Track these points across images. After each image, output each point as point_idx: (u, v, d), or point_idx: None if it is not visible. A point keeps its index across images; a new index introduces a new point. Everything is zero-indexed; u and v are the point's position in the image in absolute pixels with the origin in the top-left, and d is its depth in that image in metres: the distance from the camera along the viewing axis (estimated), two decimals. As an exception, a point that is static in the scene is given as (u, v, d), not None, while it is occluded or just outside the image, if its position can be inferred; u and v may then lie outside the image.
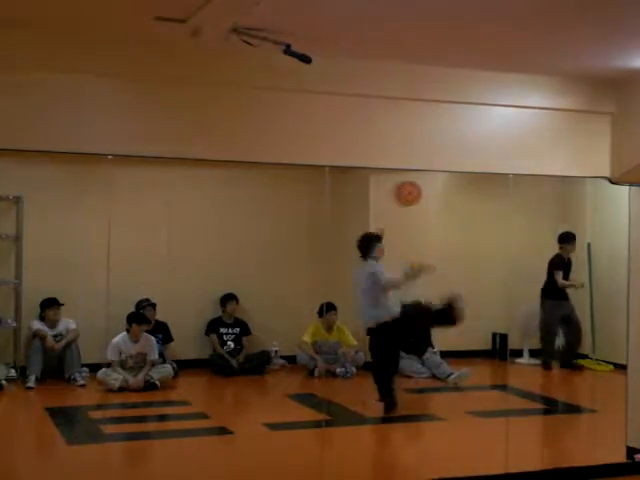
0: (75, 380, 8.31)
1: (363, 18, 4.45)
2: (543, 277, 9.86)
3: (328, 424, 6.83)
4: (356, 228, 9.54)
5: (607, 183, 5.94)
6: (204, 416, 7.29)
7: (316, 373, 8.93)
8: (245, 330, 9.46)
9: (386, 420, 7.33)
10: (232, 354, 9.24)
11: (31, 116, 4.70)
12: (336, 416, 7.21)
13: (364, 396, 8.56)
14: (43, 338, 8.47)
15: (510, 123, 5.68)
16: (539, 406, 7.87)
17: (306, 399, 7.92)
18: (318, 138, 5.23)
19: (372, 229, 9.39)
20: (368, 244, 7.61)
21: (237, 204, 9.57)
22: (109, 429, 6.75)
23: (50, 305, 8.61)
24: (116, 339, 8.33)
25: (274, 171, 8.86)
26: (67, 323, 8.67)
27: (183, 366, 8.94)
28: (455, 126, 5.51)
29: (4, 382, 8.02)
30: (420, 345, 9.28)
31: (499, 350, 10.03)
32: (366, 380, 8.86)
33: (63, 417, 7.17)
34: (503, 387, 8.20)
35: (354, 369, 9.00)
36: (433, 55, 5.18)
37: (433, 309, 7.31)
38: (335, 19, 4.47)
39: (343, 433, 6.81)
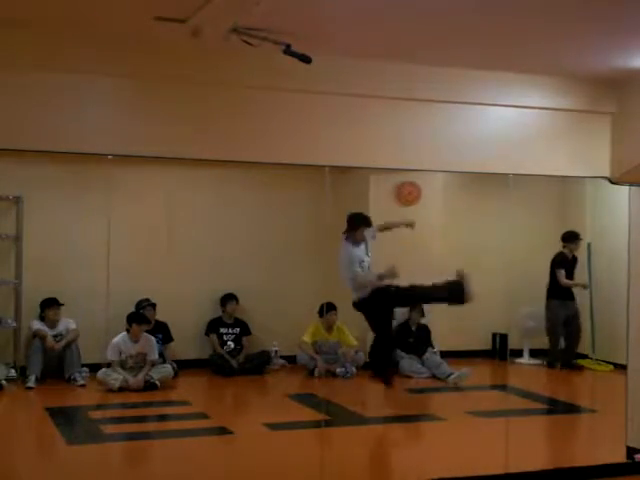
0: (75, 380, 8.31)
1: (363, 18, 4.45)
2: (543, 277, 9.86)
3: (328, 424, 6.83)
4: (356, 228, 9.55)
5: (607, 183, 5.94)
6: (204, 416, 7.29)
7: (316, 373, 8.93)
8: (245, 330, 9.46)
9: (386, 420, 7.34)
10: (232, 354, 9.24)
11: (31, 116, 4.70)
12: (336, 416, 7.20)
13: (364, 396, 8.57)
14: (43, 338, 8.46)
15: (510, 123, 5.68)
16: (539, 406, 7.87)
17: (306, 399, 7.92)
18: (318, 138, 5.24)
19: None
20: (351, 224, 7.28)
21: (237, 204, 9.56)
22: (109, 429, 6.75)
23: (50, 305, 8.60)
24: (116, 339, 8.33)
25: (274, 171, 8.85)
26: (67, 323, 8.66)
27: (183, 366, 8.93)
28: (455, 126, 5.51)
29: (4, 382, 8.02)
30: (420, 345, 9.28)
31: (499, 350, 10.02)
32: (366, 380, 8.87)
33: (63, 417, 7.17)
34: (503, 387, 8.19)
35: (354, 369, 8.99)
36: (432, 55, 5.18)
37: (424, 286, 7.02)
38: (335, 19, 4.47)
39: (343, 433, 6.81)
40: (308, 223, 9.38)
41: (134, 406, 7.65)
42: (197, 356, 9.34)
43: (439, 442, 6.62)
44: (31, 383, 8.12)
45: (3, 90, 4.64)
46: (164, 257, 9.27)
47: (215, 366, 9.12)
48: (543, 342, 10.05)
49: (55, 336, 8.55)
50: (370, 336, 9.42)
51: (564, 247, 9.71)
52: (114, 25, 4.65)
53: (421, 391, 8.55)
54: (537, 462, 5.71)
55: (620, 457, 5.72)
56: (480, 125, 5.60)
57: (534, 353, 10.06)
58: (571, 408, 8.08)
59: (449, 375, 8.70)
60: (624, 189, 5.95)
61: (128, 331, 8.40)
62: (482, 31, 4.70)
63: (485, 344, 10.13)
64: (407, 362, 9.14)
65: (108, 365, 8.22)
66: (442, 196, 9.74)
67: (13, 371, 8.35)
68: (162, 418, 7.61)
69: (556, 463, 5.94)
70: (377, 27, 4.62)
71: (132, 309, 8.72)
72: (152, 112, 4.96)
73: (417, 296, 7.09)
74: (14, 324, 8.52)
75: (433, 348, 9.30)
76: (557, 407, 8.15)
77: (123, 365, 8.27)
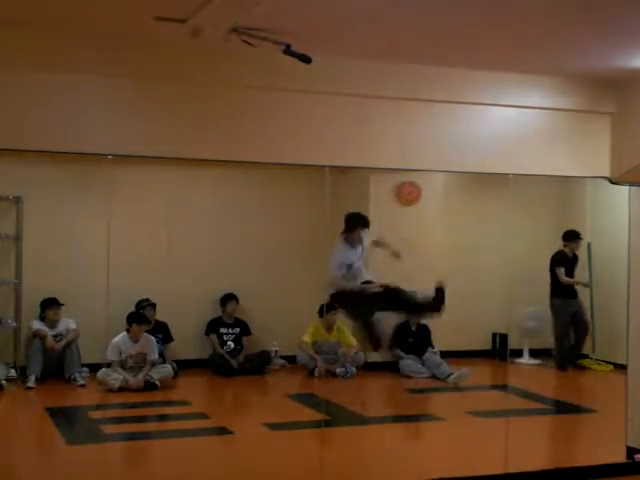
0: (75, 380, 8.31)
1: (363, 18, 4.45)
2: (543, 277, 9.86)
3: (328, 424, 6.83)
4: (356, 228, 9.55)
5: (607, 183, 5.94)
6: (204, 416, 7.30)
7: (316, 373, 8.93)
8: (245, 330, 9.46)
9: (386, 420, 7.34)
10: (232, 354, 9.24)
11: (31, 116, 4.70)
12: (336, 416, 7.21)
13: (364, 396, 8.58)
14: (43, 338, 8.46)
15: (510, 123, 5.68)
16: (539, 406, 7.87)
17: (306, 399, 7.92)
18: (318, 138, 5.24)
19: (371, 229, 9.42)
20: (348, 224, 7.12)
21: (237, 204, 9.56)
22: (109, 429, 6.75)
23: (50, 305, 8.60)
24: (116, 339, 8.33)
25: (274, 171, 8.85)
26: (67, 323, 8.66)
27: (183, 366, 8.93)
28: (455, 126, 5.51)
29: (4, 382, 8.02)
30: (420, 345, 9.28)
31: (499, 350, 10.02)
32: (366, 380, 8.88)
33: (63, 417, 7.17)
34: (503, 387, 8.19)
35: (354, 369, 8.99)
36: (433, 55, 5.18)
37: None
38: (335, 19, 4.47)
39: (343, 433, 6.82)
40: (308, 223, 9.37)
41: (134, 406, 7.65)
42: (197, 356, 9.34)
43: (439, 442, 6.62)
44: (31, 383, 8.12)
45: (3, 90, 4.64)
46: (164, 257, 9.27)
47: (215, 366, 9.12)
48: (543, 342, 10.06)
49: (55, 336, 8.55)
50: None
51: (564, 246, 9.71)
52: (114, 25, 4.65)
53: (421, 391, 8.55)
54: (537, 462, 5.71)
55: (620, 457, 5.71)
56: (480, 125, 5.60)
57: (534, 353, 10.07)
58: (571, 408, 8.07)
59: (449, 375, 8.70)
60: (624, 189, 5.95)
61: (128, 331, 8.40)
62: (482, 31, 4.70)
63: (485, 344, 10.13)
64: (407, 362, 9.15)
65: (108, 365, 8.21)
66: (442, 196, 9.74)
67: (13, 371, 8.35)
68: (162, 418, 7.61)
69: (556, 463, 5.94)
70: (377, 27, 4.62)
71: (132, 309, 8.72)
72: (152, 112, 4.96)
73: (396, 301, 6.96)
74: (14, 324, 8.52)
75: (433, 348, 9.30)
76: (557, 407, 8.15)
77: (123, 365, 8.27)
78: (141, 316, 8.60)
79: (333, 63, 5.04)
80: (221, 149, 5.13)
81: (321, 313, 9.02)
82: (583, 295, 9.79)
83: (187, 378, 8.81)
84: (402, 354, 9.25)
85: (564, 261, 9.65)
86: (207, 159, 5.39)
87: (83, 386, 8.25)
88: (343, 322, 9.26)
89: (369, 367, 9.10)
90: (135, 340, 8.38)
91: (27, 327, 8.62)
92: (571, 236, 9.66)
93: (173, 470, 5.67)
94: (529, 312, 9.90)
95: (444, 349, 9.35)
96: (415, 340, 9.33)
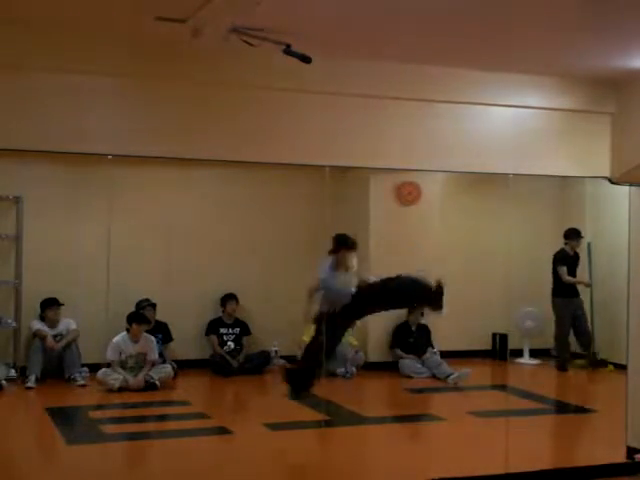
0: (75, 380, 8.31)
1: (363, 18, 4.45)
2: (543, 277, 9.86)
3: (328, 424, 6.83)
4: (356, 228, 9.56)
5: (607, 183, 5.94)
6: (204, 416, 7.29)
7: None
8: (245, 330, 9.46)
9: (386, 420, 7.34)
10: (232, 354, 9.24)
11: (31, 116, 4.70)
12: (336, 416, 7.21)
13: (364, 396, 8.57)
14: (43, 338, 8.46)
15: (510, 123, 5.68)
16: (539, 406, 7.86)
17: (306, 399, 7.91)
18: (318, 138, 5.24)
19: (372, 229, 9.43)
20: (333, 245, 6.97)
21: (237, 204, 9.56)
22: (109, 429, 6.76)
23: (50, 305, 8.60)
24: (116, 339, 8.33)
25: (274, 171, 8.86)
26: (67, 323, 8.66)
27: (183, 366, 8.94)
28: (455, 126, 5.51)
29: (4, 382, 8.02)
30: (420, 345, 9.28)
31: (499, 350, 10.03)
32: (366, 380, 8.88)
33: (63, 417, 7.17)
34: (503, 387, 8.19)
35: (354, 369, 8.99)
36: (433, 55, 5.19)
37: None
38: (335, 19, 4.47)
39: (343, 433, 6.82)
40: (308, 223, 9.38)
41: (134, 406, 7.65)
42: (197, 356, 9.34)
43: (439, 442, 6.62)
44: (31, 383, 8.12)
45: (3, 90, 4.64)
46: (164, 257, 9.28)
47: (215, 366, 9.12)
48: (543, 342, 10.07)
49: (55, 336, 8.55)
50: (372, 335, 9.47)
51: (565, 244, 9.70)
52: (114, 25, 4.66)
53: (421, 391, 8.55)
54: (537, 462, 5.70)
55: (620, 457, 5.71)
56: (480, 125, 5.60)
57: (534, 353, 10.07)
58: (571, 408, 8.08)
59: (449, 375, 8.71)
60: (624, 189, 5.95)
61: (128, 331, 8.40)
62: (483, 31, 4.70)
63: (485, 344, 10.14)
64: (407, 362, 9.15)
65: (108, 365, 8.21)
66: (442, 196, 9.75)
67: (13, 371, 8.35)
68: (162, 418, 7.61)
69: (556, 463, 5.94)
70: (377, 27, 4.62)
71: (132, 309, 8.72)
72: (152, 112, 4.96)
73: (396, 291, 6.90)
74: (14, 324, 8.52)
75: (433, 348, 9.30)
76: (557, 407, 8.15)
77: (123, 365, 8.27)
78: (141, 316, 8.60)
79: (333, 63, 5.05)
80: (221, 149, 5.13)
81: (321, 313, 9.01)
82: (584, 296, 9.78)
83: (187, 378, 8.81)
84: (402, 354, 9.26)
85: (566, 260, 9.64)
86: (207, 159, 5.40)
87: (83, 386, 8.25)
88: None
89: (369, 367, 9.11)
90: (135, 340, 8.38)
91: (27, 327, 8.62)
92: (572, 234, 9.66)
93: (173, 470, 5.67)
94: (527, 312, 9.91)
95: (444, 349, 9.36)
96: (415, 340, 9.34)
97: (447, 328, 9.59)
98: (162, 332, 9.01)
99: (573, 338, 9.71)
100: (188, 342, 9.35)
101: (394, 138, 5.38)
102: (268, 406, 7.97)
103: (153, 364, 8.39)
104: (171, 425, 7.30)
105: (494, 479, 5.41)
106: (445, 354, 9.24)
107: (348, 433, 6.82)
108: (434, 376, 8.92)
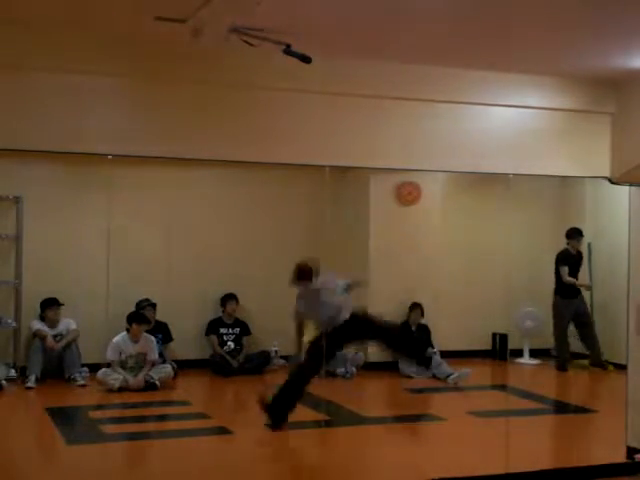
0: (75, 380, 8.31)
1: (363, 18, 4.46)
2: (543, 277, 9.87)
3: (328, 424, 6.82)
4: (356, 228, 9.58)
5: (607, 183, 5.94)
6: (204, 416, 7.29)
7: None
8: (245, 330, 9.46)
9: (386, 420, 7.33)
10: (232, 354, 9.24)
11: (31, 116, 4.71)
12: (336, 416, 7.20)
13: (364, 396, 8.57)
14: (43, 338, 8.46)
15: (510, 123, 5.69)
16: (539, 406, 7.86)
17: (306, 399, 7.90)
18: (318, 138, 5.24)
19: (372, 229, 9.43)
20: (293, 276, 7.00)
21: (237, 204, 9.56)
22: (109, 429, 6.75)
23: (50, 305, 8.60)
24: (116, 339, 8.33)
25: (274, 171, 8.85)
26: (67, 323, 8.66)
27: (183, 366, 8.93)
28: (455, 126, 5.52)
29: (4, 382, 8.01)
30: (420, 345, 9.28)
31: (499, 350, 10.03)
32: (366, 380, 8.87)
33: (63, 417, 7.16)
34: (503, 387, 8.19)
35: (354, 369, 8.99)
36: (433, 55, 5.19)
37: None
38: (335, 19, 4.48)
39: (343, 433, 6.81)
40: (308, 223, 9.38)
41: (134, 406, 7.65)
42: (197, 356, 9.34)
43: (439, 442, 6.62)
44: (31, 383, 8.12)
45: (4, 90, 4.65)
46: (164, 257, 9.27)
47: (215, 366, 9.12)
48: (543, 342, 10.06)
49: (55, 336, 8.54)
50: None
51: (567, 244, 9.70)
52: (114, 25, 4.66)
53: (421, 391, 8.55)
54: (537, 462, 5.70)
55: (620, 457, 5.71)
56: (480, 125, 5.60)
57: (534, 353, 10.07)
58: (571, 408, 8.07)
59: (449, 375, 8.70)
60: (624, 189, 5.95)
61: (128, 331, 8.39)
62: (482, 31, 4.70)
63: (485, 344, 10.13)
64: (407, 362, 9.14)
65: (108, 365, 8.21)
66: (442, 196, 9.75)
67: (13, 371, 8.35)
68: (162, 418, 7.61)
69: (556, 463, 5.93)
70: (377, 27, 4.62)
71: (132, 309, 8.71)
72: (152, 112, 4.97)
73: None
74: (14, 324, 8.52)
75: (433, 348, 9.30)
76: (557, 407, 8.15)
77: (123, 365, 8.27)
78: (141, 316, 8.60)
79: (333, 63, 5.05)
80: (221, 149, 5.13)
81: (321, 313, 9.01)
82: (584, 296, 9.77)
83: (187, 378, 8.81)
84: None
85: (568, 259, 9.62)
86: (207, 159, 5.40)
87: (83, 386, 8.25)
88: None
89: (369, 367, 9.11)
90: (135, 340, 8.38)
91: (27, 327, 8.62)
92: (573, 233, 9.65)
93: (173, 470, 5.67)
94: (527, 312, 9.90)
95: (444, 349, 9.36)
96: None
97: (447, 328, 9.60)
98: (162, 332, 9.01)
99: (573, 338, 9.70)
100: (188, 342, 9.34)
101: (394, 138, 5.38)
102: (268, 406, 7.95)
103: (153, 364, 8.38)
104: (171, 425, 7.29)
105: (494, 479, 5.41)
106: (445, 354, 9.23)
107: (348, 433, 6.82)
108: (434, 376, 8.92)
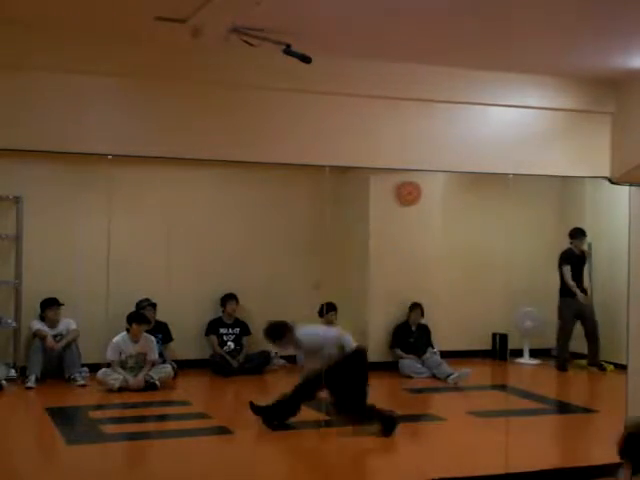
0: (75, 380, 8.31)
1: (363, 18, 4.46)
2: (543, 277, 9.87)
3: (328, 424, 6.82)
4: (356, 228, 9.58)
5: (607, 183, 5.94)
6: (204, 416, 7.29)
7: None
8: (245, 330, 9.46)
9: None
10: (232, 354, 9.24)
11: (31, 116, 4.71)
12: (336, 416, 7.19)
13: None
14: (43, 338, 8.46)
15: (510, 123, 5.69)
16: (539, 406, 7.86)
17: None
18: (318, 138, 5.24)
19: (372, 229, 9.44)
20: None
21: (237, 204, 9.56)
22: (109, 429, 6.75)
23: (50, 305, 8.60)
24: (116, 339, 8.33)
25: (274, 171, 8.86)
26: (67, 323, 8.66)
27: (183, 366, 8.93)
28: (455, 126, 5.52)
29: (4, 382, 8.02)
30: (420, 345, 9.28)
31: (499, 350, 10.03)
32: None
33: (63, 417, 7.16)
34: (503, 387, 8.19)
35: (354, 369, 8.97)
36: (433, 55, 5.19)
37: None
38: (335, 19, 4.48)
39: (343, 433, 6.81)
40: (308, 223, 9.38)
41: (134, 406, 7.65)
42: (197, 356, 9.34)
43: (439, 442, 6.62)
44: (31, 383, 8.12)
45: (4, 90, 4.64)
46: (164, 257, 9.28)
47: (215, 366, 9.12)
48: (543, 342, 10.07)
49: (55, 336, 8.54)
50: (372, 335, 9.46)
51: (571, 243, 9.69)
52: (115, 25, 4.66)
53: (421, 391, 8.55)
54: (537, 462, 5.70)
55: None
56: (480, 125, 5.60)
57: (534, 353, 10.07)
58: (571, 408, 8.07)
59: (449, 375, 8.70)
60: (624, 189, 5.95)
61: (128, 331, 8.39)
62: (482, 31, 4.70)
63: (485, 344, 10.14)
64: (407, 362, 9.15)
65: (108, 365, 8.21)
66: (442, 196, 9.75)
67: (13, 371, 8.35)
68: (162, 418, 7.61)
69: (556, 463, 5.93)
70: (377, 27, 4.62)
71: (132, 309, 8.71)
72: (152, 112, 4.97)
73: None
74: (14, 324, 8.52)
75: (433, 348, 9.30)
76: (557, 407, 8.15)
77: (123, 365, 8.27)
78: (141, 316, 8.59)
79: (333, 63, 5.05)
80: (221, 149, 5.13)
81: (321, 313, 9.02)
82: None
83: (187, 378, 8.81)
84: (402, 354, 9.26)
85: (571, 259, 9.60)
86: (207, 159, 5.40)
87: (83, 386, 8.25)
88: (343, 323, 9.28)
89: (369, 367, 9.08)
90: (135, 340, 8.38)
91: (27, 327, 8.62)
92: (576, 233, 9.65)
93: (173, 470, 5.67)
94: (527, 312, 9.91)
95: (444, 349, 9.36)
96: (415, 340, 9.34)
97: (447, 328, 9.60)
98: (162, 332, 9.01)
99: (573, 338, 9.70)
100: (188, 342, 9.35)
101: (394, 138, 5.38)
102: (268, 406, 7.95)
103: (153, 364, 8.38)
104: (171, 425, 7.29)
105: (494, 479, 5.41)
106: (445, 354, 9.24)
107: (348, 433, 6.81)
108: (434, 376, 8.92)
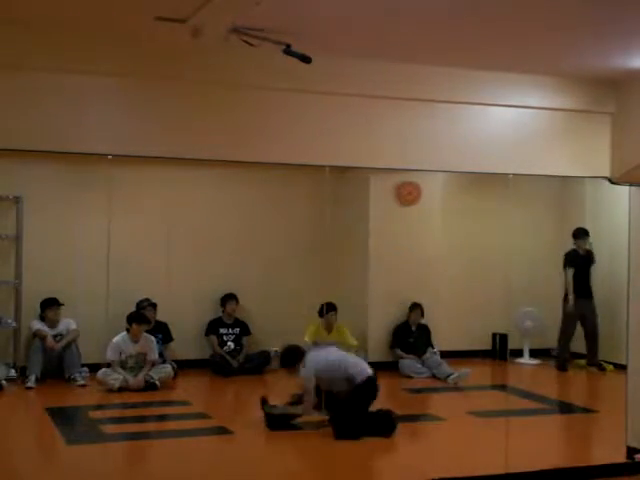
0: (75, 380, 8.31)
1: (363, 18, 4.45)
2: (543, 277, 9.88)
3: (328, 424, 6.81)
4: (356, 228, 9.58)
5: (607, 183, 5.94)
6: (204, 416, 7.29)
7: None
8: (245, 330, 9.46)
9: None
10: (232, 354, 9.24)
11: (31, 116, 4.70)
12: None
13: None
14: (43, 338, 8.46)
15: (510, 123, 5.68)
16: (539, 406, 7.86)
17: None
18: (318, 138, 5.24)
19: (372, 229, 9.44)
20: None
21: (237, 204, 9.57)
22: (109, 429, 6.75)
23: (50, 305, 8.60)
24: (116, 339, 8.33)
25: (274, 171, 8.86)
26: (67, 323, 8.66)
27: (183, 366, 8.94)
28: (455, 126, 5.51)
29: (4, 382, 8.02)
30: (420, 345, 9.29)
31: (499, 350, 10.03)
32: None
33: (63, 417, 7.17)
34: (503, 387, 8.20)
35: (354, 369, 8.98)
36: (433, 55, 5.19)
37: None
38: (335, 19, 4.47)
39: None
40: (308, 223, 9.39)
41: (134, 406, 7.65)
42: (197, 356, 9.34)
43: (439, 442, 6.62)
44: (31, 383, 8.12)
45: (4, 90, 4.64)
46: (164, 257, 9.28)
47: (215, 366, 9.12)
48: (543, 342, 10.07)
49: (55, 336, 8.55)
50: (372, 335, 9.47)
51: (574, 244, 9.68)
52: (115, 25, 4.66)
53: (421, 391, 8.55)
54: (537, 462, 5.70)
55: (620, 457, 5.71)
56: (480, 125, 5.60)
57: (534, 353, 10.07)
58: (571, 408, 8.08)
59: (449, 375, 8.71)
60: (624, 189, 5.95)
61: (128, 331, 8.39)
62: (482, 31, 4.70)
63: (485, 344, 10.14)
64: (407, 362, 9.15)
65: (108, 365, 8.21)
66: (442, 196, 9.75)
67: (13, 371, 8.36)
68: (162, 418, 7.61)
69: (556, 463, 5.93)
70: (377, 27, 4.62)
71: (132, 309, 8.71)
72: (152, 112, 4.96)
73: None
74: (14, 324, 8.52)
75: (433, 348, 9.30)
76: (557, 407, 8.15)
77: (123, 365, 8.27)
78: (141, 316, 8.60)
79: (333, 63, 5.05)
80: (221, 149, 5.13)
81: (321, 313, 9.03)
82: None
83: (187, 378, 8.81)
84: (402, 354, 9.26)
85: (575, 260, 9.58)
86: (207, 159, 5.39)
87: (83, 386, 8.25)
88: (343, 322, 9.28)
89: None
90: (135, 340, 8.38)
91: (27, 327, 8.62)
92: (579, 233, 9.64)
93: (173, 470, 5.67)
94: (527, 312, 9.91)
95: (444, 349, 9.36)
96: (415, 340, 9.34)
97: (447, 328, 9.61)
98: (162, 332, 9.01)
99: (574, 338, 9.70)
100: (188, 342, 9.35)
101: (394, 138, 5.38)
102: (268, 406, 7.95)
103: (153, 364, 8.39)
104: (171, 425, 7.30)
105: (494, 479, 5.41)
106: (445, 354, 9.24)
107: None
108: (434, 376, 8.92)
